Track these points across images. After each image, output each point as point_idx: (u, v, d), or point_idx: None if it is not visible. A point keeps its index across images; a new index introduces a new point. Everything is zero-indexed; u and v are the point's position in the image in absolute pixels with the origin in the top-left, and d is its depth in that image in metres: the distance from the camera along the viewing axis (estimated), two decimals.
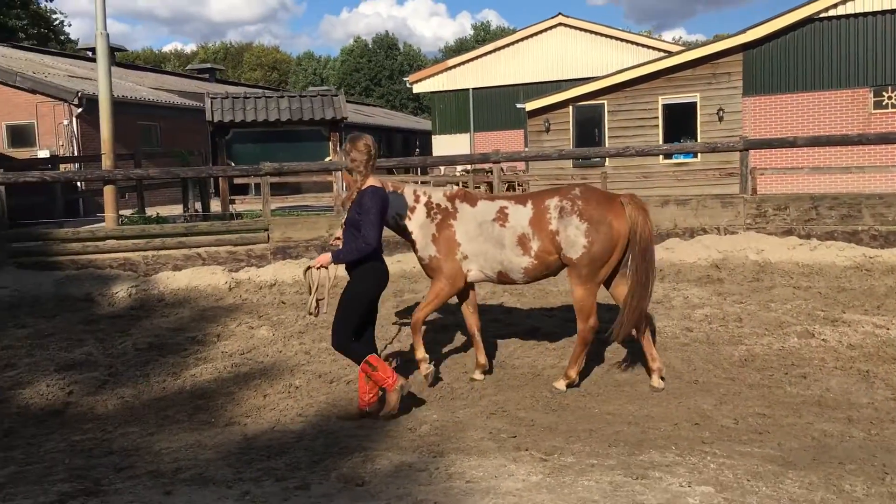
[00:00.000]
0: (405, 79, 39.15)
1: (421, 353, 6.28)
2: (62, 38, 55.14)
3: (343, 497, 4.19)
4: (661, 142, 22.16)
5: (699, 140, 21.58)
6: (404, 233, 6.33)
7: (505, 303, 9.14)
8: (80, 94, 24.75)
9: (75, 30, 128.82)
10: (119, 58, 42.54)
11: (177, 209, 20.92)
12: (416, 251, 6.35)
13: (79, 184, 22.47)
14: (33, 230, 13.60)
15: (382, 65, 75.51)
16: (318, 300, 5.80)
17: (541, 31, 31.89)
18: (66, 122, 25.10)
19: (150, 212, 18.68)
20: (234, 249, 11.70)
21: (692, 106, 22.25)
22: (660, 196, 13.05)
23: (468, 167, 25.55)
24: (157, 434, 5.55)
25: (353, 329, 5.68)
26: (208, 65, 52.91)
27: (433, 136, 34.62)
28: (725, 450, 4.76)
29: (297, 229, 12.00)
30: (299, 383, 6.53)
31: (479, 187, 22.71)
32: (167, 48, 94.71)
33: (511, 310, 8.82)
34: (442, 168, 28.44)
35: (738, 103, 21.77)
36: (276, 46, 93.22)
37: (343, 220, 5.84)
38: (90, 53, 35.66)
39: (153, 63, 70.90)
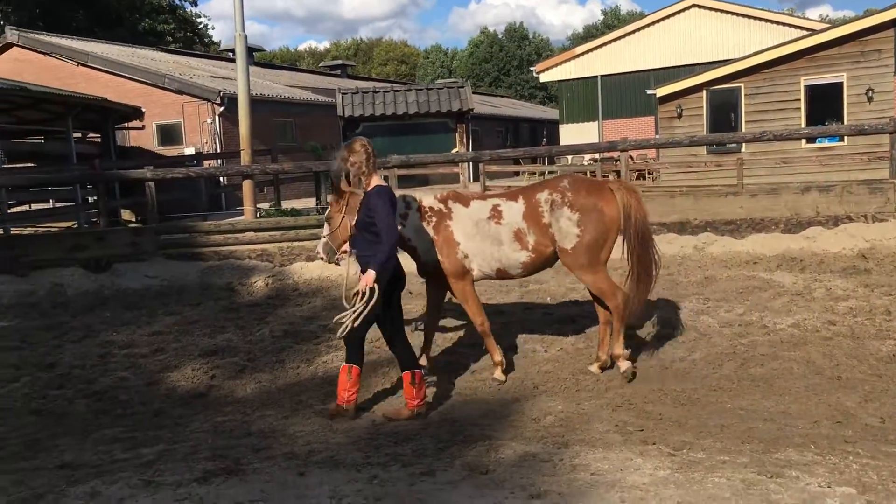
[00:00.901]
0: (532, 68, 38.93)
1: (498, 356, 6.36)
2: (206, 40, 58.16)
3: (467, 484, 4.23)
4: (803, 125, 21.01)
5: (846, 122, 20.32)
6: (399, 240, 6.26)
7: None
8: (221, 93, 26.02)
9: (218, 32, 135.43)
10: (257, 57, 44.44)
11: (311, 202, 21.66)
12: (416, 258, 6.31)
13: (221, 179, 23.66)
14: (180, 223, 14.46)
15: (512, 55, 75.35)
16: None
17: (673, 14, 30.89)
18: (209, 121, 26.46)
19: (286, 205, 19.43)
20: None
21: (838, 86, 20.96)
22: (801, 182, 12.42)
23: (595, 156, 25.15)
24: (292, 418, 5.79)
25: (367, 326, 5.65)
26: (340, 61, 54.44)
27: (560, 125, 34.27)
28: (870, 450, 4.49)
29: None
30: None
31: (606, 176, 22.32)
32: (302, 47, 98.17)
33: None
34: (569, 157, 28.12)
35: (890, 82, 20.32)
36: (405, 41, 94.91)
37: (326, 236, 5.96)
38: (231, 54, 37.45)
39: (289, 62, 73.66)
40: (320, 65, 59.61)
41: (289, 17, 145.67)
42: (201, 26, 57.96)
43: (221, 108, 26.05)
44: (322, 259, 6.15)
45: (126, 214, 20.95)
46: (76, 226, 18.15)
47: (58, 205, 20.80)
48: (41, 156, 21.45)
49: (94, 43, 31.57)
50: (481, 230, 6.15)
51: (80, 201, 19.23)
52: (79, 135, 21.84)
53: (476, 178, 23.65)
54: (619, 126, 31.08)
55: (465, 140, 21.44)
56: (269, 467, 4.74)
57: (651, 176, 25.29)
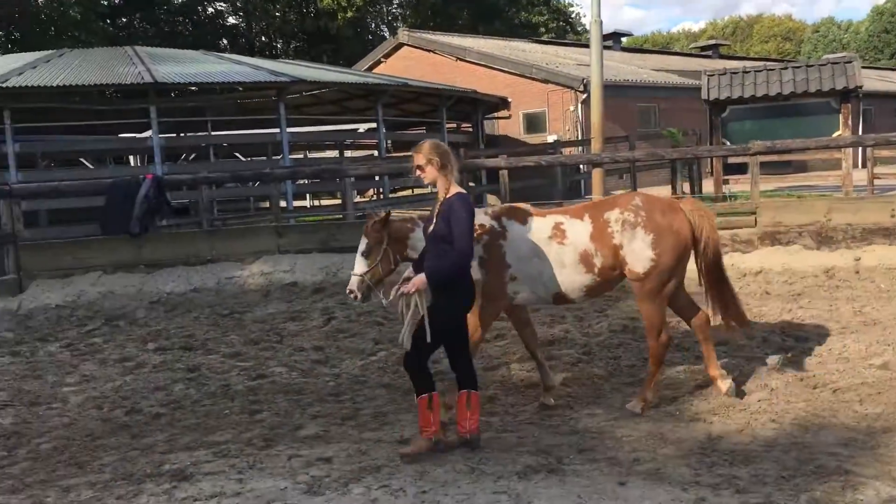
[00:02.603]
0: None
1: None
2: (578, 28, 59.32)
3: None
4: None
5: None
6: None
7: None
8: (584, 80, 26.12)
9: (590, 20, 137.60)
10: (626, 43, 44.18)
11: (666, 190, 20.96)
12: None
13: (581, 166, 23.88)
14: None
15: None
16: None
17: None
18: (571, 108, 26.83)
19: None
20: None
21: None
22: None
23: None
24: (621, 419, 5.54)
25: (432, 352, 5.04)
26: (712, 41, 51.92)
27: None
28: None
29: (789, 212, 11.01)
30: (776, 385, 5.94)
31: None
32: (675, 29, 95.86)
33: None
34: None
35: None
36: (790, 15, 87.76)
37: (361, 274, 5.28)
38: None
39: (661, 45, 72.18)
40: (691, 46, 57.42)
41: None
42: (573, 16, 59.26)
43: (584, 96, 26.22)
44: (356, 299, 5.32)
45: (491, 199, 22.16)
46: None
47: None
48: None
49: (472, 38, 33.80)
50: (541, 251, 5.56)
51: None
52: (453, 125, 23.57)
53: (863, 165, 20.94)
54: None
55: (850, 122, 19.05)
56: (590, 471, 4.58)
57: None
